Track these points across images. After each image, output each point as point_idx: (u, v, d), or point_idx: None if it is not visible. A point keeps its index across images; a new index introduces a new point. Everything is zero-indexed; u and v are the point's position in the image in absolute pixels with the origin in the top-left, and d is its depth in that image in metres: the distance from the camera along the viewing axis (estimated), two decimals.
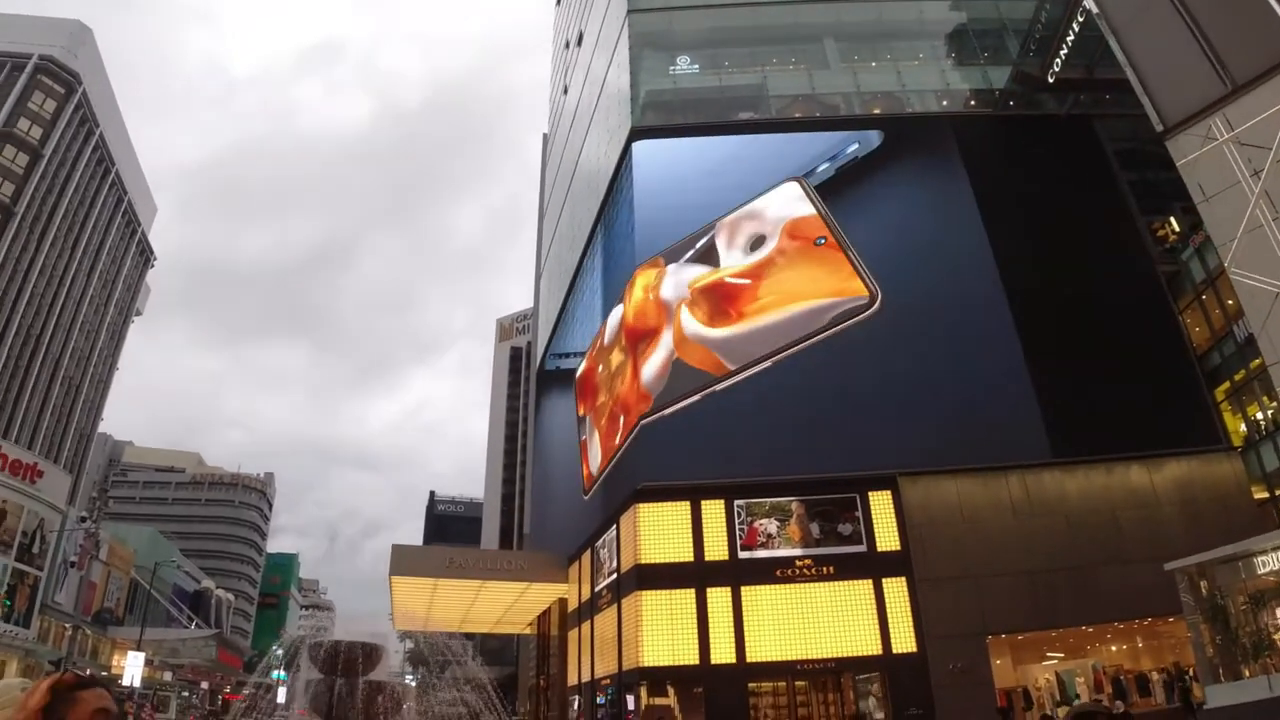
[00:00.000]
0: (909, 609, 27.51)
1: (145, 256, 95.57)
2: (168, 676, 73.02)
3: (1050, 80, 37.47)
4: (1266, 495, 28.98)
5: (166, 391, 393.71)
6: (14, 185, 67.01)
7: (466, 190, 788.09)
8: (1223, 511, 27.52)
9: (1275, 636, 21.85)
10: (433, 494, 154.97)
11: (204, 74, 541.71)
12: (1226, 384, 30.73)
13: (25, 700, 2.16)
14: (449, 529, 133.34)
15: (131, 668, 49.07)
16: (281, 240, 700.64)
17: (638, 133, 37.57)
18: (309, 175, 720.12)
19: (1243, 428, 30.32)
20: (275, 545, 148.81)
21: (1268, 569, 22.03)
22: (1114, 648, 30.90)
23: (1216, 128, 13.70)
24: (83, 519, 65.35)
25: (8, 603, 52.83)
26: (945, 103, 38.81)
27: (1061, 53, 36.65)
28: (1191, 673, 25.98)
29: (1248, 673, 21.87)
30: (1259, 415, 29.49)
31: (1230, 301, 28.24)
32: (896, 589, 27.83)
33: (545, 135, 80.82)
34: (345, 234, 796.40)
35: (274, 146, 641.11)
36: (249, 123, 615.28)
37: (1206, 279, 30.88)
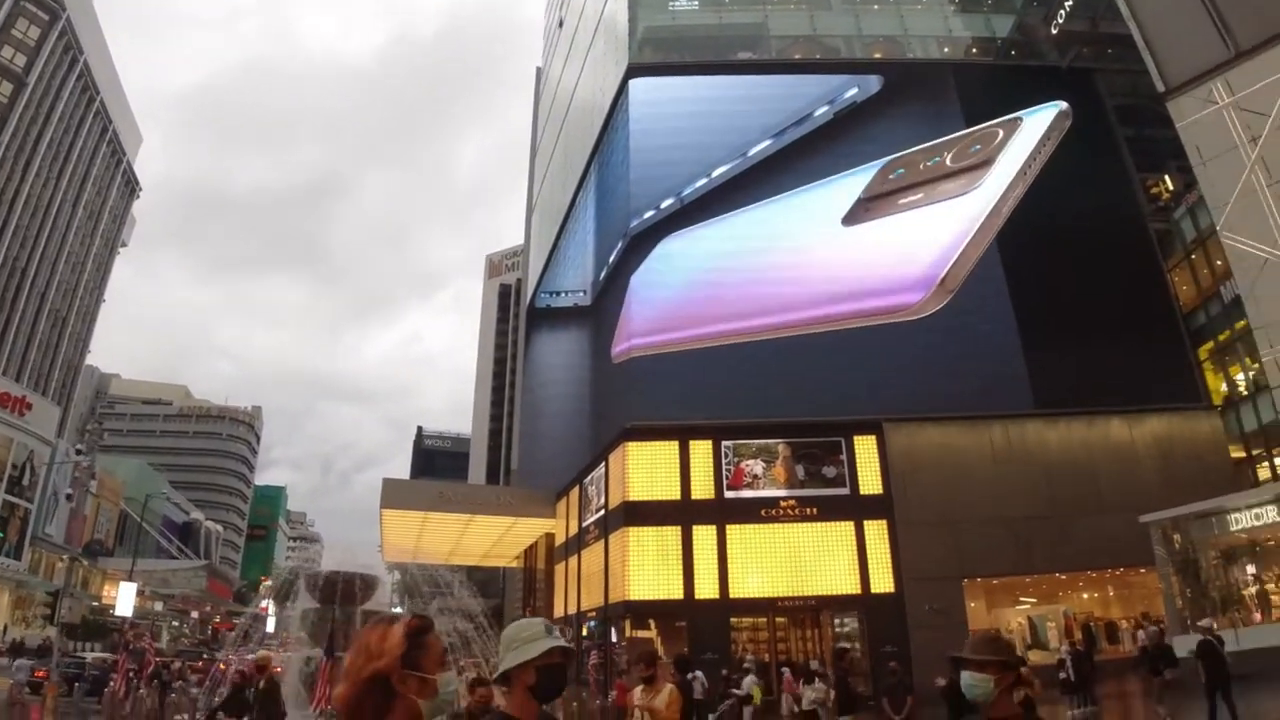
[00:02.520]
0: (889, 551, 28.19)
1: (131, 187, 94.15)
2: (158, 607, 74.02)
3: (1053, 31, 37.15)
4: (1243, 454, 29.54)
5: (155, 324, 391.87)
6: None
7: (471, 123, 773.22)
8: (1199, 468, 28.02)
9: (1244, 591, 22.48)
10: (420, 429, 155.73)
11: None
12: (1210, 343, 31.09)
13: (378, 643, 2.15)
14: (436, 464, 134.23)
15: (124, 598, 49.59)
16: (280, 170, 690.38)
17: (635, 70, 37.06)
18: (311, 104, 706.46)
19: (1224, 387, 30.75)
20: (270, 478, 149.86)
21: (1240, 526, 22.64)
22: (1086, 595, 31.76)
23: (1217, 92, 13.76)
24: (79, 452, 65.56)
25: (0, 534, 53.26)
26: (947, 50, 38.43)
27: (1066, 4, 36.29)
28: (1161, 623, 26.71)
29: (1216, 625, 22.55)
30: (1240, 376, 29.87)
31: (1219, 262, 28.30)
32: (877, 531, 28.47)
33: (539, 69, 79.36)
34: (346, 165, 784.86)
35: (276, 72, 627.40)
36: (251, 47, 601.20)
37: (1197, 239, 30.96)
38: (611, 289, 36.49)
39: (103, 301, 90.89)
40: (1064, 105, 31.68)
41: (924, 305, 29.10)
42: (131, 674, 23.98)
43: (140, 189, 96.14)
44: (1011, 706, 3.14)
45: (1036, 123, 31.51)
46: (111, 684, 23.97)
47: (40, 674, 28.11)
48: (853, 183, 32.44)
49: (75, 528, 69.35)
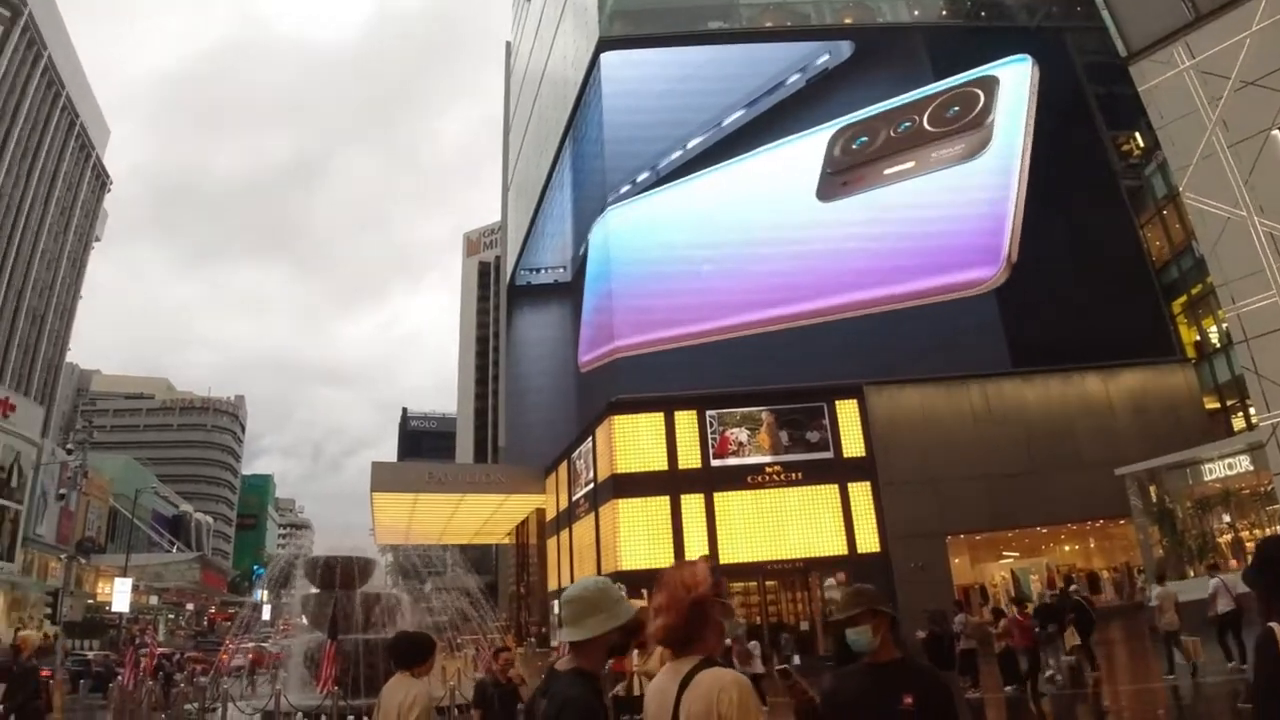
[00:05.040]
0: (873, 511, 28.76)
1: (101, 181, 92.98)
2: (154, 600, 74.08)
3: None
4: (1217, 405, 30.04)
5: (134, 317, 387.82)
6: None
7: (452, 97, 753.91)
8: (1174, 420, 28.63)
9: (1219, 539, 23.01)
10: (405, 410, 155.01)
11: None
12: (1183, 297, 31.49)
13: (691, 578, 2.56)
14: (423, 445, 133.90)
15: (120, 594, 49.60)
16: (256, 155, 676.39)
17: (605, 43, 36.93)
18: (285, 85, 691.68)
19: (1197, 340, 31.24)
20: (262, 466, 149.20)
21: (1214, 476, 23.09)
22: (1067, 548, 32.35)
23: (1178, 55, 13.92)
24: (68, 451, 65.19)
25: None
26: (916, 12, 38.49)
27: None
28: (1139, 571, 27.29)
29: (1192, 572, 23.04)
30: (1213, 329, 30.20)
31: (1190, 218, 28.64)
32: (861, 492, 29.00)
33: (508, 44, 78.44)
34: (324, 147, 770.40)
35: (250, 53, 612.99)
36: (223, 28, 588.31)
37: (1168, 194, 31.12)
38: None
39: (80, 297, 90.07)
40: (1029, 57, 31.84)
41: (997, 279, 29.29)
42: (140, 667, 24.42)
43: (111, 182, 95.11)
44: (892, 650, 3.26)
45: (1016, 76, 31.54)
46: (119, 678, 24.33)
47: (45, 673, 28.22)
48: (791, 154, 32.31)
49: (66, 527, 69.19)
